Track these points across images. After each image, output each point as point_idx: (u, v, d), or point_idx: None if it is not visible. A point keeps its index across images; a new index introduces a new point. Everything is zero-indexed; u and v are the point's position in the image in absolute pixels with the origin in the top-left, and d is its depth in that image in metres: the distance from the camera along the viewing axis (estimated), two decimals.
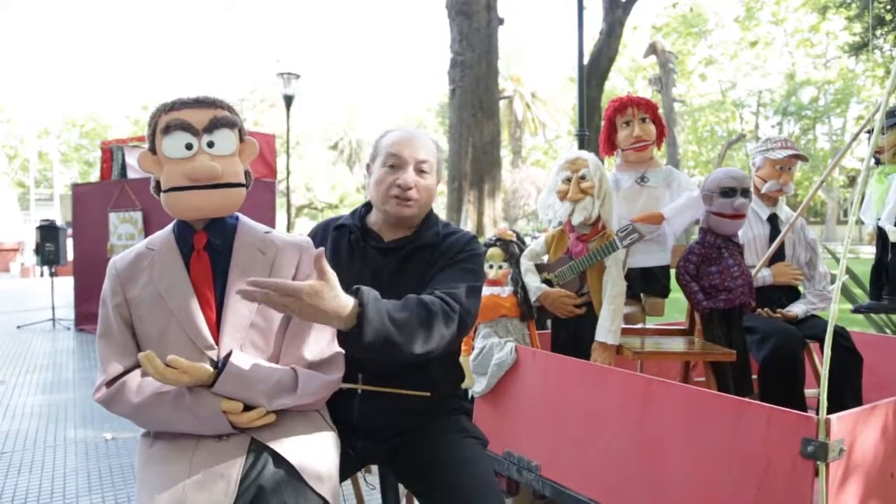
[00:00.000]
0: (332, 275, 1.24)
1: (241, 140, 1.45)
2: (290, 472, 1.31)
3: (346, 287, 1.56)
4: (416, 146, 1.63)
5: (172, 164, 1.37)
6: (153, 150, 1.40)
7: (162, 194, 1.39)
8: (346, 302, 1.26)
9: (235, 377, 1.30)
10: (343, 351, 1.47)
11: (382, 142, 1.67)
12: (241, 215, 1.52)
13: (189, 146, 1.36)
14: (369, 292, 1.31)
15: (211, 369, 1.31)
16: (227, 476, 1.27)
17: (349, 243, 1.67)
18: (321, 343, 1.44)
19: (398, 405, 1.57)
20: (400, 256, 1.61)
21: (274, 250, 1.46)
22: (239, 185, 1.42)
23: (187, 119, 1.36)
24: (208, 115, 1.38)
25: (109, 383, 1.37)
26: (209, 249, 1.43)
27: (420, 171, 1.62)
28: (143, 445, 1.42)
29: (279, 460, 1.32)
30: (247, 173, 1.47)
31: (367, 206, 1.75)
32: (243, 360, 1.33)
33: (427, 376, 1.60)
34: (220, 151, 1.39)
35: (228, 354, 1.33)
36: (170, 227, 1.48)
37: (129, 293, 1.40)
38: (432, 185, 1.66)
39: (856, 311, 2.44)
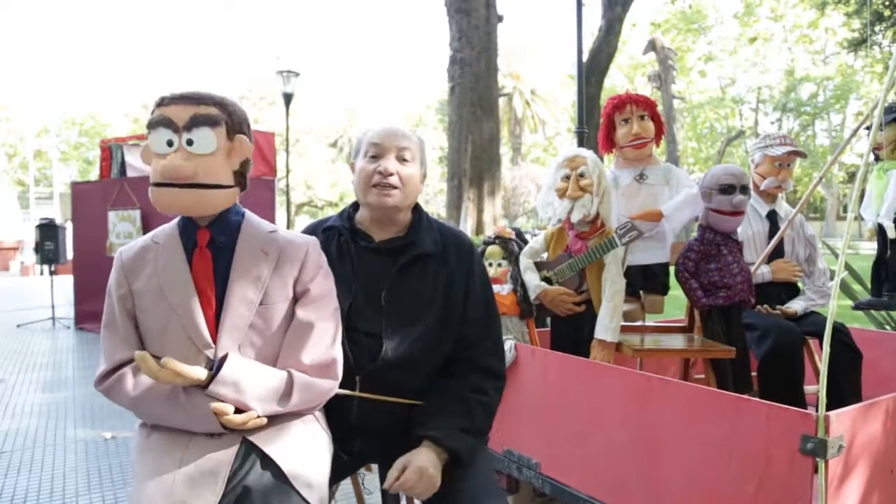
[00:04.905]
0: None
1: (231, 139, 1.40)
2: (278, 476, 1.31)
3: (340, 291, 1.56)
4: (396, 135, 1.62)
5: (156, 159, 1.35)
6: None
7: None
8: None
9: (229, 382, 1.30)
10: (341, 356, 1.47)
11: (364, 137, 1.67)
12: (247, 212, 1.50)
13: (170, 143, 1.34)
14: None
15: (205, 372, 1.30)
16: (215, 474, 1.28)
17: (338, 245, 1.64)
18: (320, 348, 1.42)
19: (397, 406, 1.56)
20: (400, 265, 1.59)
21: (277, 250, 1.44)
22: (217, 186, 1.37)
23: (169, 115, 1.34)
24: (189, 112, 1.34)
25: (110, 373, 1.38)
26: (212, 247, 1.41)
27: (402, 160, 1.61)
28: (140, 435, 1.42)
29: (268, 462, 1.32)
30: (241, 174, 1.44)
31: (355, 206, 1.73)
32: (239, 364, 1.32)
33: (426, 385, 1.59)
34: (199, 150, 1.35)
35: (224, 357, 1.32)
36: (175, 221, 1.46)
37: (133, 284, 1.40)
38: (415, 175, 1.63)
39: (856, 307, 2.45)
